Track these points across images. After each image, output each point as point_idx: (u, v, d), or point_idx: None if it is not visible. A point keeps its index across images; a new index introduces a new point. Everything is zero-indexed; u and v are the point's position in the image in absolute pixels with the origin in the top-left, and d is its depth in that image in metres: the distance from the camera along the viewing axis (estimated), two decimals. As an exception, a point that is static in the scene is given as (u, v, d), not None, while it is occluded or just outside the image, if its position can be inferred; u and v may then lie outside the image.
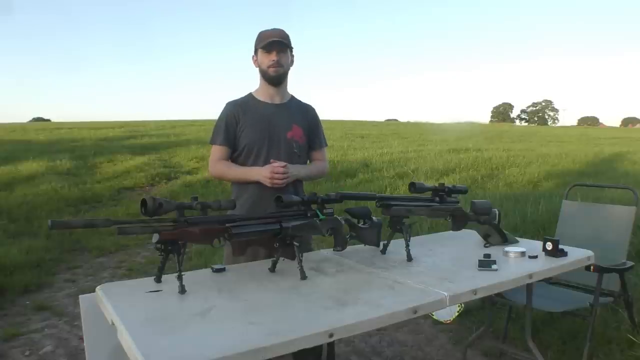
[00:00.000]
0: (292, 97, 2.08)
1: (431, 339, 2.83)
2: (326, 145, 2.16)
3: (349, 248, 1.74)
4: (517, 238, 2.03)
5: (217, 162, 1.98)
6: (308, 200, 1.58)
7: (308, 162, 2.10)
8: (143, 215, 1.26)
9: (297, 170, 1.95)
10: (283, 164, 1.87)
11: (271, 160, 1.88)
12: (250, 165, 1.95)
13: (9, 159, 9.66)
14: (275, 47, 1.90)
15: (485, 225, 1.95)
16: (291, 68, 2.02)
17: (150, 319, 1.14)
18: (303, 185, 2.07)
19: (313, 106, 2.13)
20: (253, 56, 1.99)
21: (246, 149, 1.95)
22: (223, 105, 2.01)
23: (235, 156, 1.99)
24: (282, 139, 1.96)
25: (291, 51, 1.99)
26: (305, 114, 2.08)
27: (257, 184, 1.91)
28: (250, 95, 2.03)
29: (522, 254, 1.76)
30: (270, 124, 1.95)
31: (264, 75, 1.96)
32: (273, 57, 1.91)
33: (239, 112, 1.96)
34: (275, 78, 1.95)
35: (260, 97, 2.01)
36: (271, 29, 1.94)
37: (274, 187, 1.85)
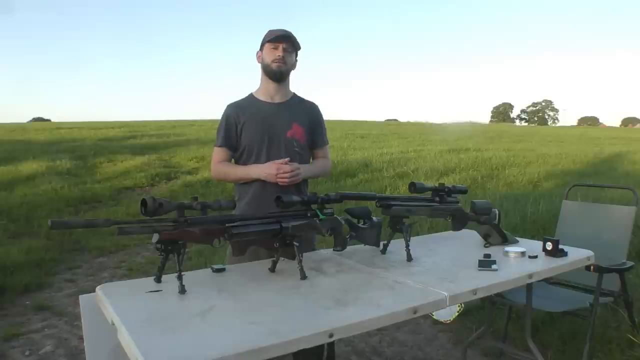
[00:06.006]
0: (294, 95, 2.07)
1: (431, 339, 2.83)
2: (327, 143, 2.16)
3: (349, 248, 1.74)
4: (517, 238, 2.03)
5: (217, 164, 1.98)
6: (308, 200, 1.58)
7: (311, 160, 2.09)
8: (143, 215, 1.26)
9: (304, 169, 1.95)
10: (287, 160, 1.88)
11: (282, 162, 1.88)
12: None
13: (9, 159, 9.67)
14: (282, 41, 1.91)
15: (485, 225, 1.94)
16: (292, 71, 2.01)
17: (150, 319, 1.14)
18: (307, 185, 2.06)
19: (316, 103, 2.12)
20: (258, 52, 1.99)
21: (246, 149, 1.96)
22: (223, 105, 2.02)
23: (236, 157, 2.00)
24: (282, 138, 1.95)
25: (296, 54, 1.99)
26: (307, 111, 2.06)
27: (259, 183, 1.91)
28: (250, 95, 2.03)
29: (522, 254, 1.76)
30: (270, 123, 1.95)
31: (266, 69, 1.95)
32: (279, 52, 1.91)
33: (239, 112, 1.97)
34: (278, 73, 1.94)
35: (261, 97, 2.01)
36: (281, 29, 1.94)
37: (281, 184, 1.85)
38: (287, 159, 1.88)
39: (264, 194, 1.87)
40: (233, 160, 2.02)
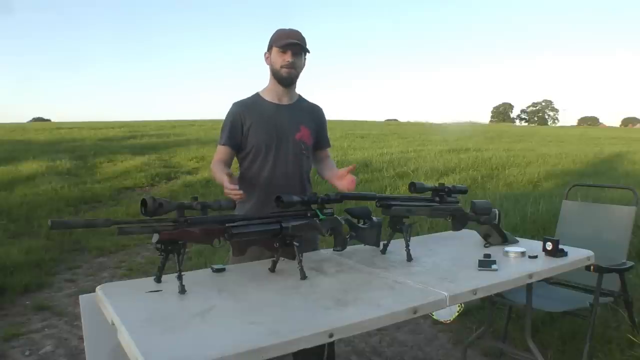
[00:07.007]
0: (300, 97, 2.06)
1: (431, 339, 2.83)
2: (330, 146, 2.16)
3: (349, 248, 1.74)
4: (517, 238, 2.03)
5: (214, 162, 1.96)
6: (308, 200, 1.58)
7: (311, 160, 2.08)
8: (143, 215, 1.26)
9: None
10: (229, 173, 1.69)
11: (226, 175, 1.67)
12: (258, 167, 1.93)
13: (9, 159, 9.66)
14: (291, 48, 1.88)
15: (485, 225, 1.95)
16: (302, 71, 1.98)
17: (150, 319, 1.14)
18: (311, 185, 2.06)
19: (320, 106, 2.11)
20: (265, 53, 1.96)
21: (254, 150, 1.93)
22: (223, 105, 2.01)
23: (242, 156, 1.97)
24: (291, 140, 1.94)
25: (305, 55, 1.96)
26: (313, 114, 2.06)
27: (262, 188, 1.91)
28: (257, 95, 2.01)
29: (522, 254, 1.76)
30: (278, 125, 1.93)
31: (275, 74, 1.93)
32: (288, 57, 1.88)
33: (245, 112, 1.94)
34: (287, 79, 1.93)
35: (268, 97, 1.98)
36: (289, 29, 1.91)
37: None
38: (229, 172, 1.71)
39: (267, 199, 1.83)
40: (236, 159, 2.00)
